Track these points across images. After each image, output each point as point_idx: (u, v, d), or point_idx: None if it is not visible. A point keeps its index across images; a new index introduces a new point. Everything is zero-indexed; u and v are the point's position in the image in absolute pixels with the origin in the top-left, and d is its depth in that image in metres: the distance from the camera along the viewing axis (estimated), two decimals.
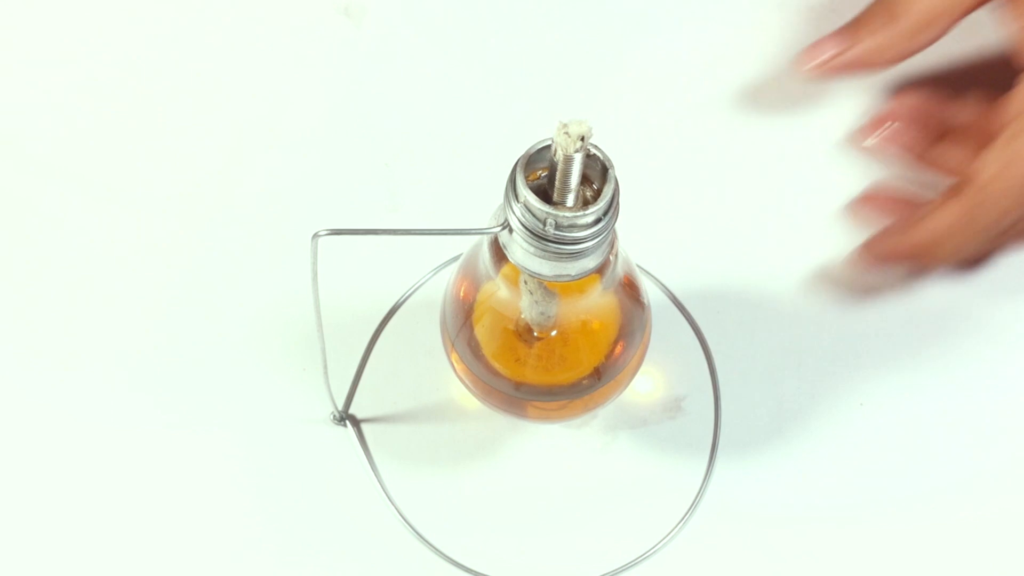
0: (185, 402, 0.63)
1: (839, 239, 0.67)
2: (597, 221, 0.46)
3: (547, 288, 0.51)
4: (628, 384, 0.59)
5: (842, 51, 0.64)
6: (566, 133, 0.44)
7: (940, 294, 0.66)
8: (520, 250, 0.47)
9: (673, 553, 0.61)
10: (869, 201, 0.66)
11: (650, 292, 0.65)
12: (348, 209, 0.67)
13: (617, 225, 0.48)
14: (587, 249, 0.47)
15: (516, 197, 0.46)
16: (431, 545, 0.61)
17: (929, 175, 0.67)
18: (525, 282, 0.51)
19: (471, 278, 0.55)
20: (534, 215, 0.46)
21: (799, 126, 0.70)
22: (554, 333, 0.56)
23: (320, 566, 0.61)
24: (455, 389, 0.64)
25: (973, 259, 0.66)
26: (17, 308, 0.65)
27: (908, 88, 0.69)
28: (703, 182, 0.69)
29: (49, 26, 0.71)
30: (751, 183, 0.69)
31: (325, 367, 0.57)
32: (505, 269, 0.51)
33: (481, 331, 0.56)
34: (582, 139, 0.44)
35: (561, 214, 0.45)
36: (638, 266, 0.62)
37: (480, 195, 0.62)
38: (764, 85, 0.70)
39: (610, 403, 0.60)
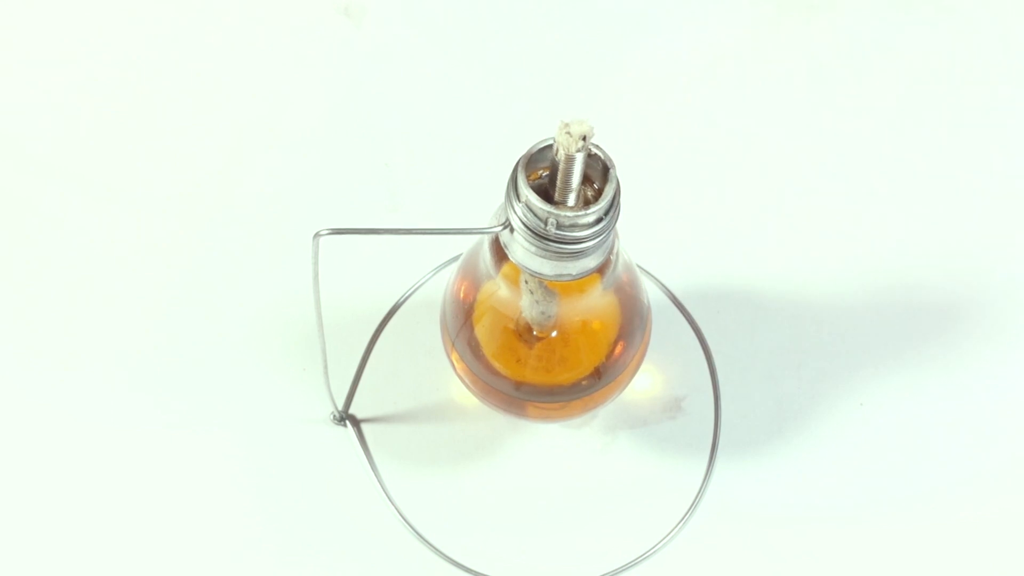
0: (185, 402, 0.63)
1: (839, 239, 0.67)
2: (598, 221, 0.46)
3: (548, 288, 0.51)
4: (628, 384, 0.59)
5: None
6: (568, 133, 0.44)
7: (940, 294, 0.66)
8: (521, 249, 0.47)
9: (673, 553, 0.61)
10: None
11: (650, 292, 0.65)
12: (348, 209, 0.67)
13: (618, 225, 0.48)
14: (588, 248, 0.47)
15: (517, 196, 0.46)
16: (431, 545, 0.61)
17: None
18: (526, 281, 0.51)
19: (471, 278, 0.55)
20: (535, 214, 0.46)
21: (799, 126, 0.70)
22: (554, 333, 0.56)
23: (320, 566, 0.60)
24: (455, 389, 0.64)
25: None
26: (17, 308, 0.65)
27: None
28: (703, 182, 0.69)
29: (49, 26, 0.71)
30: (751, 183, 0.69)
31: (325, 367, 0.57)
32: (505, 268, 0.51)
33: (481, 331, 0.56)
34: (584, 139, 0.44)
35: (562, 213, 0.45)
36: (638, 266, 0.62)
37: (480, 195, 0.62)
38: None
39: (610, 403, 0.60)
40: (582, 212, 0.45)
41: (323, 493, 0.62)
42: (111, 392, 0.63)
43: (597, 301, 0.54)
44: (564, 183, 0.46)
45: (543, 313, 0.53)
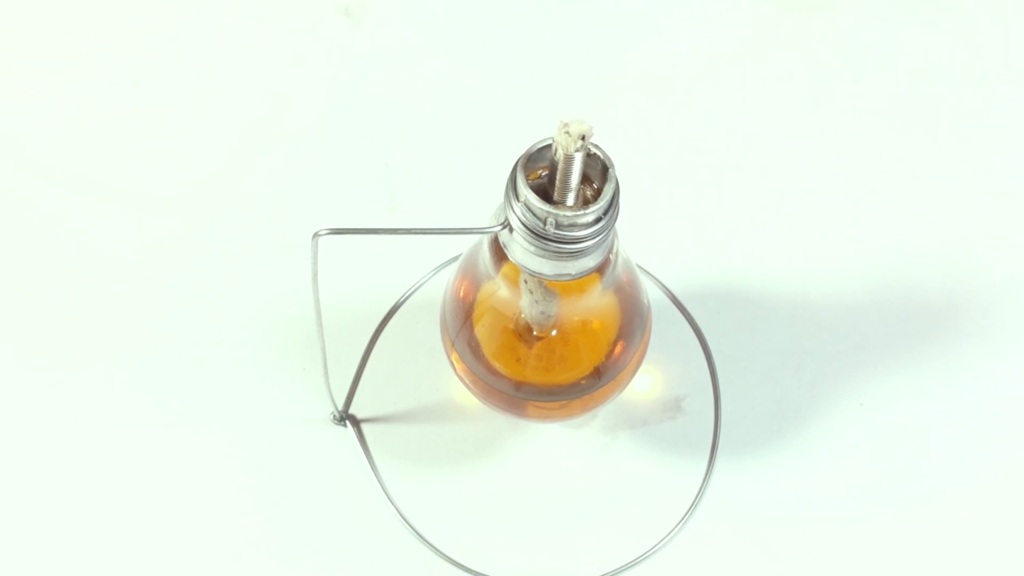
0: (185, 402, 0.63)
1: (839, 239, 0.67)
2: (597, 220, 0.46)
3: (547, 287, 0.51)
4: (628, 384, 0.59)
5: None
6: (567, 132, 0.44)
7: (940, 294, 0.66)
8: (520, 249, 0.47)
9: (673, 553, 0.61)
10: None
11: (650, 292, 0.65)
12: (348, 209, 0.67)
13: (617, 225, 0.48)
14: (587, 248, 0.47)
15: (517, 196, 0.46)
16: (431, 545, 0.61)
17: None
18: (525, 281, 0.51)
19: (471, 278, 0.55)
20: (535, 214, 0.46)
21: (799, 126, 0.70)
22: (554, 333, 0.56)
23: (320, 566, 0.60)
24: (455, 389, 0.64)
25: None
26: (17, 308, 0.65)
27: None
28: (703, 182, 0.69)
29: (49, 26, 0.71)
30: (751, 183, 0.69)
31: (325, 367, 0.57)
32: (505, 268, 0.51)
33: (481, 331, 0.56)
34: (583, 138, 0.44)
35: (561, 213, 0.45)
36: (638, 266, 0.62)
37: (480, 195, 0.62)
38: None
39: (610, 403, 0.60)
40: (581, 212, 0.45)
41: (323, 493, 0.62)
42: (111, 392, 0.63)
43: (597, 301, 0.54)
44: (563, 183, 0.46)
45: (543, 313, 0.53)
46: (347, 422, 0.63)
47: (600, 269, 0.50)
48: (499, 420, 0.63)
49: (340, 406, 0.63)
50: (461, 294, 0.56)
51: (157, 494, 0.62)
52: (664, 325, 0.65)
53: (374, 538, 0.61)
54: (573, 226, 0.46)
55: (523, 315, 0.54)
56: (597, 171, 0.46)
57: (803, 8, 0.73)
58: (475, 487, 0.62)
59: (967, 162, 0.69)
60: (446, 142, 0.69)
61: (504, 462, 0.63)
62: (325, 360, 0.57)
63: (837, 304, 0.66)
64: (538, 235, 0.46)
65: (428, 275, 0.66)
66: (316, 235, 0.48)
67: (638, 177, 0.65)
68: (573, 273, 0.48)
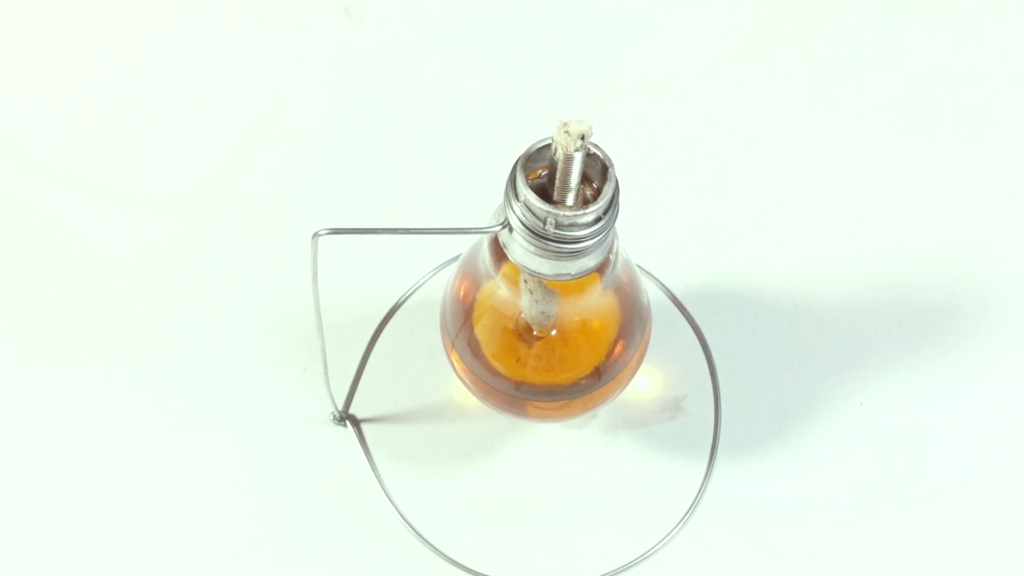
0: (185, 402, 0.63)
1: (839, 239, 0.67)
2: (597, 220, 0.46)
3: (547, 287, 0.51)
4: (628, 384, 0.59)
5: None
6: (566, 132, 0.44)
7: (940, 294, 0.66)
8: (520, 249, 0.47)
9: (673, 553, 0.61)
10: None
11: (650, 292, 0.65)
12: (348, 209, 0.68)
13: (617, 224, 0.48)
14: (587, 248, 0.47)
15: (516, 196, 0.46)
16: (431, 545, 0.61)
17: None
18: (525, 281, 0.51)
19: (471, 278, 0.55)
20: (534, 214, 0.46)
21: (799, 126, 0.70)
22: (554, 333, 0.56)
23: (320, 566, 0.60)
24: (455, 389, 0.64)
25: None
26: (17, 308, 0.65)
27: None
28: (703, 182, 0.69)
29: (49, 26, 0.71)
30: (751, 183, 0.69)
31: (325, 367, 0.57)
32: (505, 268, 0.51)
33: (481, 331, 0.56)
34: (582, 138, 0.44)
35: (561, 213, 0.45)
36: (638, 266, 0.62)
37: (480, 195, 0.62)
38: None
39: (610, 403, 0.60)
40: (581, 211, 0.45)
41: (323, 493, 0.62)
42: (111, 392, 0.63)
43: (597, 300, 0.54)
44: (563, 182, 0.46)
45: (543, 313, 0.53)
46: (347, 422, 0.63)
47: (600, 269, 0.50)
48: (499, 420, 0.63)
49: (340, 406, 0.63)
50: (461, 294, 0.56)
51: (157, 494, 0.62)
52: (664, 325, 0.65)
53: (374, 538, 0.61)
54: (573, 226, 0.46)
55: (523, 315, 0.54)
56: (597, 171, 0.46)
57: (803, 8, 0.73)
58: (475, 487, 0.62)
59: (967, 162, 0.69)
60: (446, 142, 0.69)
61: (504, 462, 0.63)
62: (325, 360, 0.57)
63: (837, 304, 0.66)
64: (538, 235, 0.46)
65: (428, 275, 0.66)
66: (316, 235, 0.48)
67: (638, 177, 0.65)
68: (573, 273, 0.48)
